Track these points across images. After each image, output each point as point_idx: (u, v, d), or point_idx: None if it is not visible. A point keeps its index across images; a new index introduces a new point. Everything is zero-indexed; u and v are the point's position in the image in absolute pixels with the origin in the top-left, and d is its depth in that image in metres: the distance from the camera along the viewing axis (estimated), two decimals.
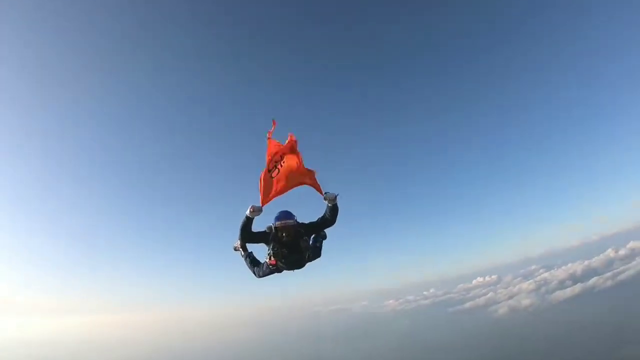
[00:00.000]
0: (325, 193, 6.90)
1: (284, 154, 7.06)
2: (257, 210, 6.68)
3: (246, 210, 6.63)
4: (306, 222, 7.13)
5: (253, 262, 7.70)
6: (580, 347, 74.84)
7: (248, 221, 6.71)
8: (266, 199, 6.99)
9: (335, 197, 6.85)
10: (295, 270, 7.22)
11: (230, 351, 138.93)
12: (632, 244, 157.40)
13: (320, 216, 7.12)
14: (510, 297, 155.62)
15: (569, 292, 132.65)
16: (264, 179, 6.97)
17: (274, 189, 7.05)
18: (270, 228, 6.96)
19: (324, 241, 8.02)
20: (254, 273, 7.60)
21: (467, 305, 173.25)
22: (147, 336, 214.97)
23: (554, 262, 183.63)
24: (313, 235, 7.69)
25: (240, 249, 7.96)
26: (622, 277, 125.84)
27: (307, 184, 7.09)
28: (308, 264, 7.41)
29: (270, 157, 7.02)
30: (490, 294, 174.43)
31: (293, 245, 6.90)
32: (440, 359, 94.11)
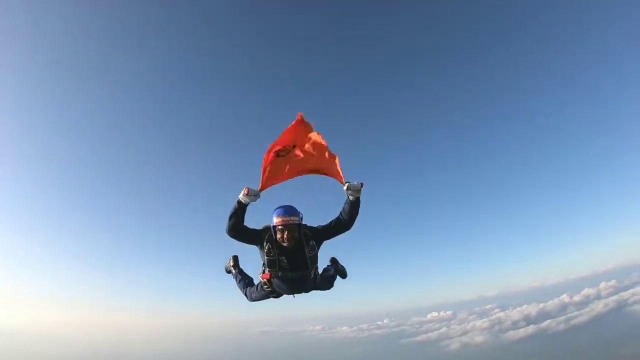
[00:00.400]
0: (347, 182, 5.13)
1: (298, 141, 5.67)
2: (253, 195, 5.14)
3: (239, 194, 5.06)
4: (314, 225, 5.50)
5: (245, 281, 6.41)
6: None
7: (240, 208, 5.12)
8: (268, 182, 5.58)
9: (361, 187, 5.03)
10: (295, 296, 5.53)
11: None
12: (586, 291, 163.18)
13: (333, 218, 5.47)
14: (464, 334, 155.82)
15: (522, 332, 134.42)
16: (269, 160, 5.60)
17: (280, 173, 5.68)
18: (267, 228, 5.35)
19: (339, 277, 6.55)
20: (246, 295, 6.13)
21: (420, 338, 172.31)
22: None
23: (509, 302, 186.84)
24: (329, 262, 6.62)
25: (232, 268, 6.68)
26: (575, 321, 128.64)
27: (324, 172, 5.66)
28: (313, 292, 5.90)
29: (284, 140, 5.66)
30: (443, 329, 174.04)
31: (295, 254, 5.22)
32: None
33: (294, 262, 5.21)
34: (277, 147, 5.59)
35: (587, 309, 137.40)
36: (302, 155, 5.69)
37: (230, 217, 5.08)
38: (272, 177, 5.60)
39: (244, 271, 6.63)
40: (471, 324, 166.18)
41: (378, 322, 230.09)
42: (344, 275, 6.59)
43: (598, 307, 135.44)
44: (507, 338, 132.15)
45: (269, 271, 5.26)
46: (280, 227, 5.09)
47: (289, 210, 5.17)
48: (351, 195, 5.12)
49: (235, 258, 6.76)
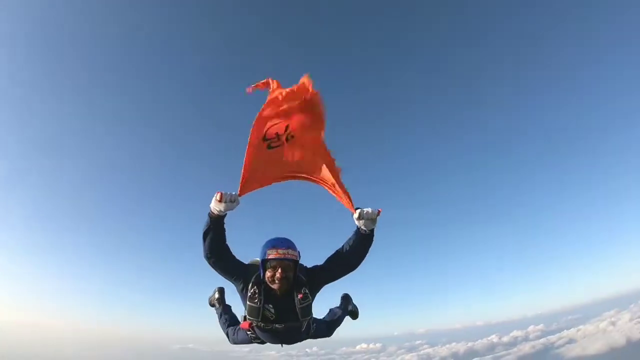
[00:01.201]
0: (358, 208, 3.88)
1: (293, 117, 4.00)
2: (228, 201, 3.67)
3: (211, 202, 3.72)
4: (309, 266, 4.21)
5: (229, 319, 5.20)
6: None
7: (214, 222, 3.77)
8: (250, 183, 3.98)
9: (377, 216, 3.83)
10: (284, 346, 4.44)
11: None
12: (515, 333, 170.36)
13: (335, 252, 4.08)
14: None
15: None
16: (253, 152, 3.99)
17: (267, 171, 4.13)
18: (255, 265, 4.02)
19: (349, 317, 5.47)
20: (227, 336, 5.04)
21: None
22: None
23: (439, 339, 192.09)
24: (341, 299, 5.62)
25: (216, 302, 5.52)
26: None
27: (325, 184, 4.14)
28: (307, 341, 4.66)
29: (267, 117, 4.02)
30: None
31: (284, 302, 3.92)
32: None
33: (282, 311, 3.91)
34: (267, 125, 3.99)
35: (515, 349, 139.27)
36: (297, 149, 4.12)
37: (205, 236, 3.79)
38: (257, 175, 4.02)
39: (230, 308, 5.42)
40: (400, 357, 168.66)
41: (307, 349, 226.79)
42: (355, 316, 5.47)
43: (525, 348, 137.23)
44: None
45: (248, 319, 4.00)
46: (273, 262, 3.73)
47: (286, 243, 3.82)
48: (364, 226, 3.81)
49: (221, 291, 5.59)
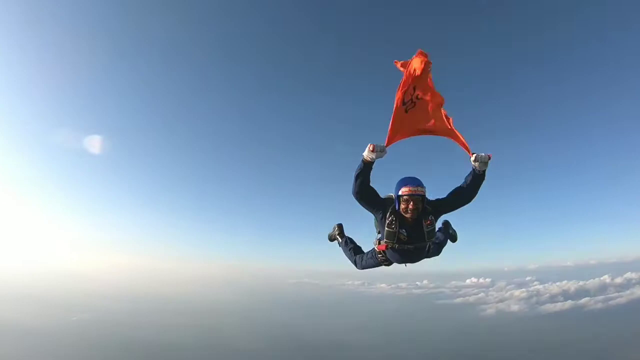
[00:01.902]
0: (475, 153, 5.01)
1: (415, 83, 5.20)
2: (379, 151, 4.84)
3: (364, 151, 4.84)
4: (433, 199, 5.28)
5: (354, 249, 6.35)
6: None
7: (365, 166, 4.88)
8: (395, 136, 5.28)
9: (488, 160, 4.99)
10: (407, 265, 5.57)
11: (205, 309, 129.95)
12: (629, 274, 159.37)
13: (455, 188, 5.27)
14: (501, 301, 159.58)
15: (558, 306, 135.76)
16: (395, 115, 5.24)
17: (406, 129, 5.40)
18: (391, 198, 5.22)
19: (449, 241, 6.48)
20: (355, 263, 6.13)
21: (457, 300, 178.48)
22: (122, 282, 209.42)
23: (549, 277, 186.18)
24: (441, 225, 6.42)
25: (338, 237, 6.68)
26: (613, 302, 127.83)
27: (448, 135, 5.37)
28: (425, 260, 5.73)
29: (404, 88, 5.23)
30: (481, 295, 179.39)
31: (414, 227, 5.10)
32: (418, 344, 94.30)
33: (413, 235, 5.09)
34: (402, 91, 5.24)
35: (628, 291, 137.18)
36: (425, 106, 5.35)
37: (357, 178, 4.89)
38: (399, 130, 5.32)
39: (352, 239, 6.52)
40: (509, 292, 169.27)
41: (417, 283, 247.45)
42: (454, 239, 6.52)
43: (639, 291, 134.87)
44: (544, 310, 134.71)
45: (385, 242, 5.20)
46: (406, 197, 4.88)
47: (416, 181, 4.94)
48: (478, 168, 4.98)
49: (340, 226, 6.70)
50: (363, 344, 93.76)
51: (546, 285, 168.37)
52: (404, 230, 5.07)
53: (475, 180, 5.08)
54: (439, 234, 6.19)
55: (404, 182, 4.93)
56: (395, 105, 5.18)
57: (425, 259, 5.67)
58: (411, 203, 4.88)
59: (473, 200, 5.24)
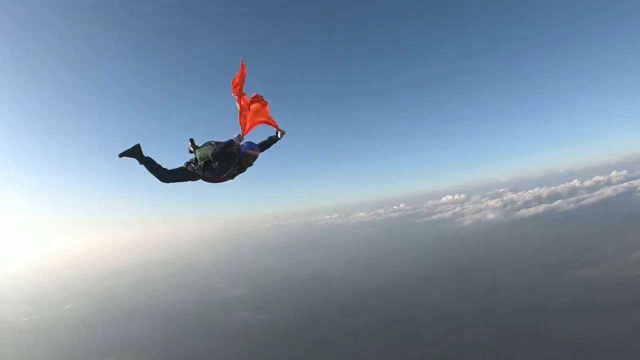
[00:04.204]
0: (284, 130, 7.72)
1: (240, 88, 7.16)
2: (241, 139, 6.92)
3: (234, 136, 6.81)
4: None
5: (158, 165, 7.21)
6: (535, 261, 78.18)
7: (231, 145, 6.80)
8: (246, 129, 7.28)
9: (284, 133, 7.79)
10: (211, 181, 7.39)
11: (190, 270, 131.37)
12: (597, 177, 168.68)
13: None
14: (477, 212, 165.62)
15: (532, 211, 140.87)
16: (240, 113, 7.20)
17: (249, 123, 7.38)
18: (238, 151, 6.99)
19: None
20: (162, 176, 7.10)
21: (434, 217, 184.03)
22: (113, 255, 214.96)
23: (521, 186, 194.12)
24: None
25: (143, 156, 7.11)
26: (584, 202, 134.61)
27: (263, 121, 7.55)
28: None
29: (237, 87, 7.12)
30: (457, 209, 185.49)
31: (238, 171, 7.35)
32: (401, 263, 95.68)
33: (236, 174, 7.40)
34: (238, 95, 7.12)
35: (597, 192, 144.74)
36: (252, 107, 7.36)
37: (223, 150, 6.75)
38: (245, 123, 7.23)
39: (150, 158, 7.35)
40: (484, 204, 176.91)
41: (394, 207, 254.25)
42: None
43: (607, 191, 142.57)
44: (519, 215, 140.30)
45: (223, 175, 7.22)
46: (252, 156, 7.04)
47: (257, 147, 7.14)
48: (280, 137, 7.68)
49: (138, 147, 7.22)
50: (346, 272, 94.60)
51: (519, 193, 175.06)
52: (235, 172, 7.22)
53: (272, 143, 7.72)
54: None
55: (251, 145, 6.97)
56: (239, 107, 7.19)
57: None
58: (252, 160, 7.08)
59: None
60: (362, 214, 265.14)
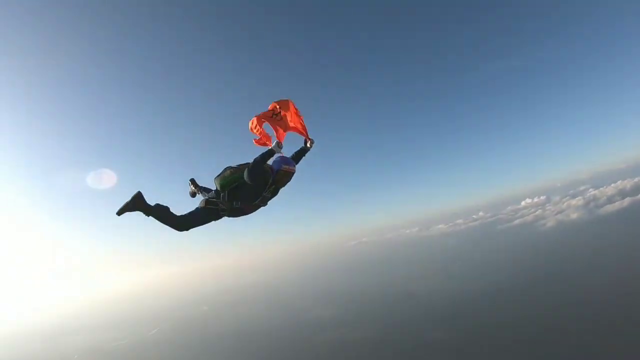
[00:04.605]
0: (312, 139, 6.84)
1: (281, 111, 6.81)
2: (281, 147, 6.18)
3: (272, 144, 6.16)
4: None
5: (169, 213, 5.78)
6: (624, 258, 75.71)
7: (272, 155, 6.01)
8: (281, 136, 6.65)
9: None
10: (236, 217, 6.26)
11: (276, 293, 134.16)
12: None
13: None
14: (559, 213, 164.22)
15: (617, 205, 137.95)
16: (271, 123, 6.70)
17: (282, 129, 6.75)
18: (270, 170, 6.09)
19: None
20: (179, 224, 5.79)
21: (516, 222, 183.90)
22: (191, 286, 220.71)
23: (603, 181, 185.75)
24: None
25: (148, 207, 5.61)
26: None
27: (296, 130, 6.95)
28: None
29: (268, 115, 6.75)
30: (538, 212, 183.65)
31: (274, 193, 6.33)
32: (483, 273, 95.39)
33: (271, 198, 6.43)
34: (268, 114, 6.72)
35: None
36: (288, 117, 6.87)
37: (263, 162, 5.98)
38: (277, 130, 6.68)
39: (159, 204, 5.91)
40: (565, 204, 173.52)
41: (473, 216, 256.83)
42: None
43: None
44: (603, 212, 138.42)
45: (253, 203, 6.23)
46: (287, 174, 6.12)
47: (292, 162, 6.27)
48: (310, 147, 6.81)
49: (140, 196, 5.67)
50: (432, 286, 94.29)
51: (601, 189, 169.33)
52: (268, 195, 6.17)
53: (303, 154, 6.77)
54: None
55: (285, 160, 6.01)
56: (267, 117, 6.62)
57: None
58: (286, 180, 6.10)
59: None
60: (441, 225, 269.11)
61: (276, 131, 6.56)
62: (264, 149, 6.03)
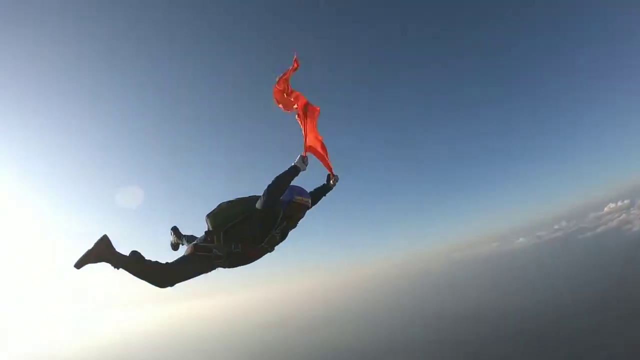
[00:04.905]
0: (336, 175, 5.27)
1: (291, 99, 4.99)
2: (306, 163, 4.60)
3: (295, 160, 4.52)
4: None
5: (148, 263, 4.03)
6: None
7: (296, 173, 4.47)
8: (309, 149, 4.91)
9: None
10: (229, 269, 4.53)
11: (370, 312, 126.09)
12: None
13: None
14: None
15: None
16: (304, 128, 4.95)
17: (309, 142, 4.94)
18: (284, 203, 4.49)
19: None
20: (161, 279, 3.96)
21: (599, 230, 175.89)
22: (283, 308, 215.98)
23: None
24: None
25: (119, 256, 3.87)
26: None
27: (317, 153, 5.11)
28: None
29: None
30: (623, 216, 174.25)
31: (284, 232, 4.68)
32: (572, 282, 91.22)
33: (281, 239, 4.84)
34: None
35: None
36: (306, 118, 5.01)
37: (288, 182, 4.43)
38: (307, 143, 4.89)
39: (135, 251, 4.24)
40: None
41: (555, 226, 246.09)
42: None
43: None
44: None
45: (264, 245, 4.66)
46: (302, 205, 4.55)
47: (307, 192, 4.70)
48: (333, 185, 5.26)
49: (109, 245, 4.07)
50: (521, 304, 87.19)
51: None
52: (278, 235, 4.59)
53: (324, 193, 5.24)
54: None
55: (298, 191, 4.50)
56: (300, 120, 5.00)
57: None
58: (301, 214, 4.59)
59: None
60: (521, 239, 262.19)
61: (304, 138, 4.88)
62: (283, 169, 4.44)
